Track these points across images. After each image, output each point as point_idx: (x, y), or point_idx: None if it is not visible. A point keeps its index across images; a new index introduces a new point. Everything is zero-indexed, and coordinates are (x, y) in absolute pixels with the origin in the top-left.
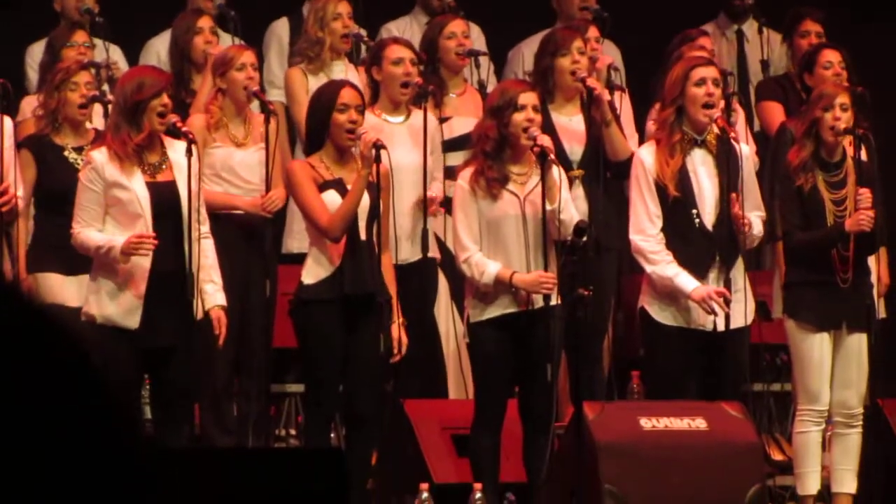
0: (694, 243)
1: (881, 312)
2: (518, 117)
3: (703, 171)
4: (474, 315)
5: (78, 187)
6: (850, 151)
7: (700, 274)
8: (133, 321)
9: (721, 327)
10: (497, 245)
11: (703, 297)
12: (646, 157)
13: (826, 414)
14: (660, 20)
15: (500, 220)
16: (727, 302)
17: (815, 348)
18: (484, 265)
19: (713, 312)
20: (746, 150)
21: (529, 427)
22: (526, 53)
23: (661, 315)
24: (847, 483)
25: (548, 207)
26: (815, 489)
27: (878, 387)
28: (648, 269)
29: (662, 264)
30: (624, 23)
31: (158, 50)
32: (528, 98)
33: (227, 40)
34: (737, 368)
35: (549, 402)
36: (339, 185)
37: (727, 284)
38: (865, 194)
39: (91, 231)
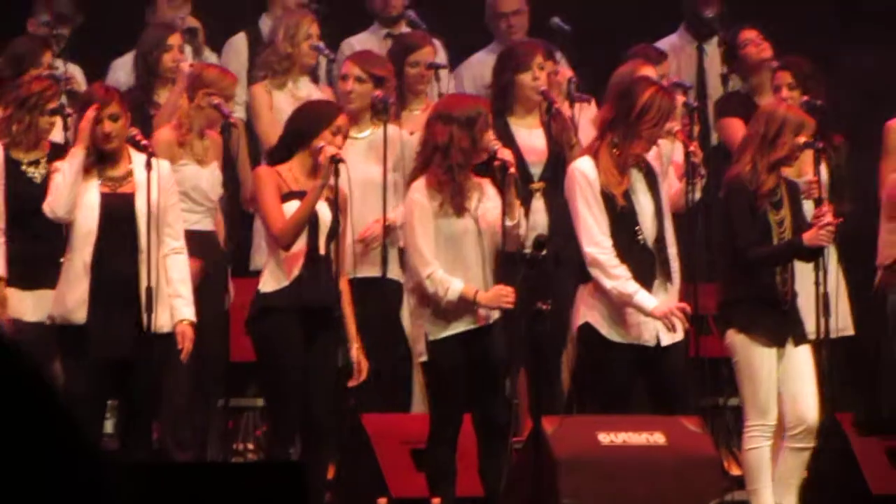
0: (637, 259)
1: (850, 329)
2: (488, 135)
3: (639, 188)
4: (435, 332)
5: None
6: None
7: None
8: (80, 315)
9: (665, 342)
10: (455, 261)
11: (665, 314)
12: (588, 169)
13: (774, 428)
14: (621, 32)
15: (459, 236)
16: (688, 317)
17: (765, 363)
18: (448, 282)
19: (674, 329)
20: (658, 167)
21: (486, 441)
22: (465, 76)
23: (610, 332)
24: (789, 497)
25: (507, 223)
26: None
27: (835, 402)
28: (608, 284)
29: (623, 280)
30: (586, 35)
31: (119, 73)
32: (486, 112)
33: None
34: (680, 381)
35: (507, 416)
36: (303, 197)
37: (664, 302)
38: (825, 210)
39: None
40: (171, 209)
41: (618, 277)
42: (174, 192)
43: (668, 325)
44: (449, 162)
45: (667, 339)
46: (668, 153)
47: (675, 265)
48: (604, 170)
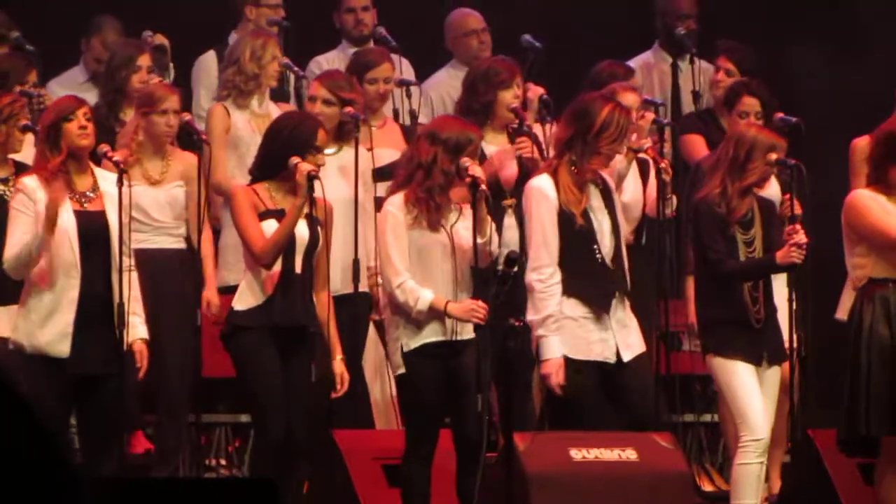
0: (596, 278)
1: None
2: (466, 156)
3: (596, 206)
4: (408, 342)
5: (10, 215)
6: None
7: (603, 309)
8: (63, 349)
9: (626, 358)
10: (425, 274)
11: (548, 375)
12: (546, 187)
13: (766, 445)
14: (594, 50)
15: (430, 249)
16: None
17: (750, 380)
18: (418, 291)
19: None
20: (612, 182)
21: (461, 457)
22: (433, 97)
23: (571, 350)
24: None
25: (478, 240)
26: None
27: (807, 418)
28: (529, 315)
29: (541, 317)
30: (556, 53)
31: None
32: (478, 140)
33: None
34: (643, 396)
35: (481, 433)
36: (280, 216)
37: (622, 320)
38: (797, 228)
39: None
40: (126, 226)
41: (538, 313)
42: (127, 208)
43: (555, 386)
44: (429, 182)
45: (627, 355)
46: (622, 169)
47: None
48: (563, 188)
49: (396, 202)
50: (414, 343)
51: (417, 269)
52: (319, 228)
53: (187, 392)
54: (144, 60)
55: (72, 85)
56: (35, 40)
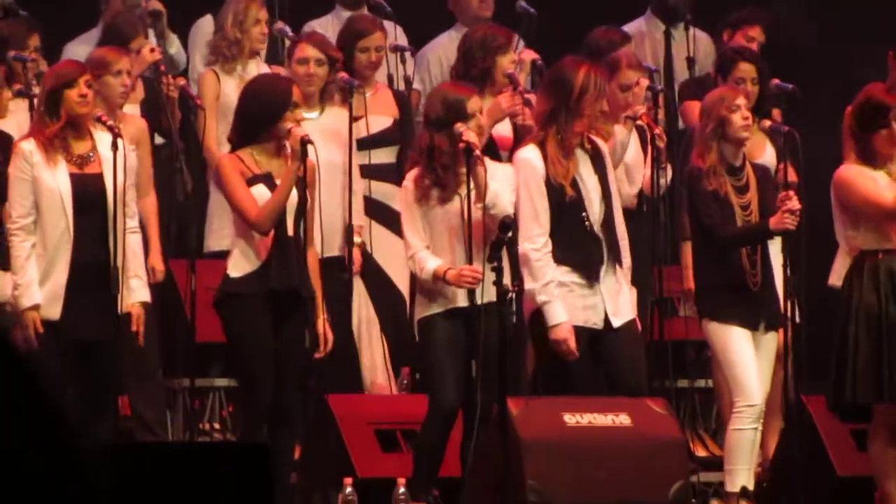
0: (585, 246)
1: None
2: (469, 125)
3: (585, 172)
4: (421, 311)
5: (9, 180)
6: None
7: (592, 275)
8: (54, 312)
9: (615, 324)
10: (443, 246)
11: (560, 340)
12: (534, 158)
13: (761, 410)
14: (587, 17)
15: (445, 221)
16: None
17: (745, 346)
18: (424, 262)
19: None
20: (606, 148)
21: (466, 422)
22: (431, 59)
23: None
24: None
25: (478, 205)
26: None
27: (801, 383)
28: (528, 285)
29: (541, 284)
30: (549, 19)
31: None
32: (475, 104)
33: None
34: (631, 361)
35: (477, 398)
36: (267, 180)
37: (613, 286)
38: (791, 194)
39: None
40: (129, 189)
41: (537, 280)
42: (132, 171)
43: (566, 349)
44: (434, 164)
45: (617, 321)
46: (623, 139)
47: (623, 244)
48: (552, 161)
49: (411, 177)
50: (428, 311)
51: (436, 242)
52: (307, 190)
53: (157, 358)
54: (125, 64)
55: (90, 45)
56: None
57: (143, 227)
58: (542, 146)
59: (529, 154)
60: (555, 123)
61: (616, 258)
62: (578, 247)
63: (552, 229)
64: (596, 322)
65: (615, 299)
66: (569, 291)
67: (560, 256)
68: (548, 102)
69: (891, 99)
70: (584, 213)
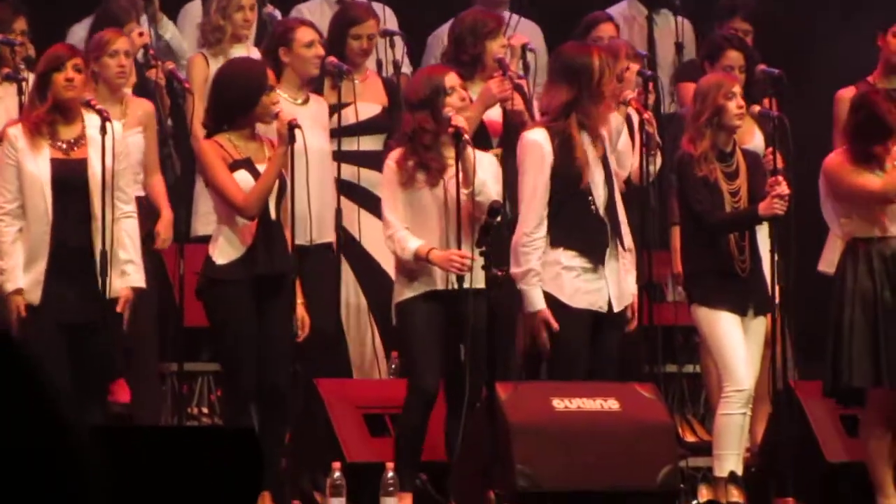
0: (591, 230)
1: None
2: (451, 101)
3: (591, 158)
4: (400, 294)
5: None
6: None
7: (598, 259)
8: (34, 297)
9: (616, 308)
10: (425, 229)
11: (533, 325)
12: (543, 141)
13: (750, 396)
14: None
15: (428, 204)
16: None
17: (735, 331)
18: (405, 241)
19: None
20: (606, 133)
21: (451, 404)
22: (446, 40)
23: (571, 298)
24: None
25: (464, 191)
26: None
27: (789, 369)
28: (513, 269)
29: (523, 270)
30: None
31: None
32: (453, 79)
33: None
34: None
35: (464, 381)
36: (248, 165)
37: (616, 270)
38: (780, 180)
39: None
40: (123, 173)
41: (520, 266)
42: (126, 155)
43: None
44: (416, 145)
45: (618, 305)
46: (618, 125)
47: (625, 229)
48: (577, 147)
49: (394, 157)
50: (403, 296)
51: (418, 224)
52: (284, 172)
53: (156, 343)
54: (122, 45)
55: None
56: None
57: (151, 207)
58: (559, 133)
59: (538, 136)
60: (577, 111)
61: (619, 242)
62: (585, 231)
63: (560, 214)
64: (601, 305)
65: (618, 283)
66: (575, 276)
67: (568, 240)
68: (568, 92)
69: (893, 118)
70: (590, 198)
